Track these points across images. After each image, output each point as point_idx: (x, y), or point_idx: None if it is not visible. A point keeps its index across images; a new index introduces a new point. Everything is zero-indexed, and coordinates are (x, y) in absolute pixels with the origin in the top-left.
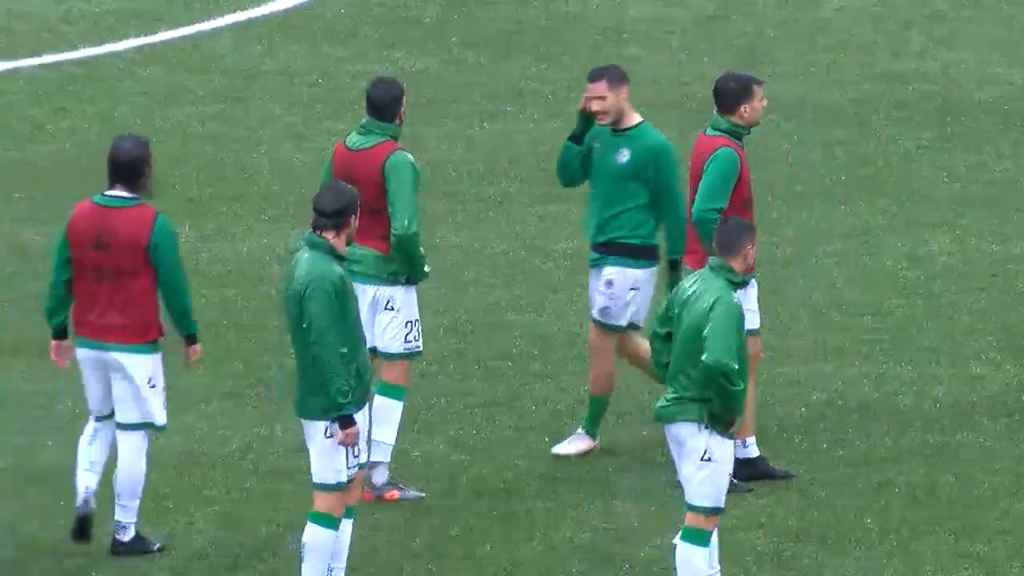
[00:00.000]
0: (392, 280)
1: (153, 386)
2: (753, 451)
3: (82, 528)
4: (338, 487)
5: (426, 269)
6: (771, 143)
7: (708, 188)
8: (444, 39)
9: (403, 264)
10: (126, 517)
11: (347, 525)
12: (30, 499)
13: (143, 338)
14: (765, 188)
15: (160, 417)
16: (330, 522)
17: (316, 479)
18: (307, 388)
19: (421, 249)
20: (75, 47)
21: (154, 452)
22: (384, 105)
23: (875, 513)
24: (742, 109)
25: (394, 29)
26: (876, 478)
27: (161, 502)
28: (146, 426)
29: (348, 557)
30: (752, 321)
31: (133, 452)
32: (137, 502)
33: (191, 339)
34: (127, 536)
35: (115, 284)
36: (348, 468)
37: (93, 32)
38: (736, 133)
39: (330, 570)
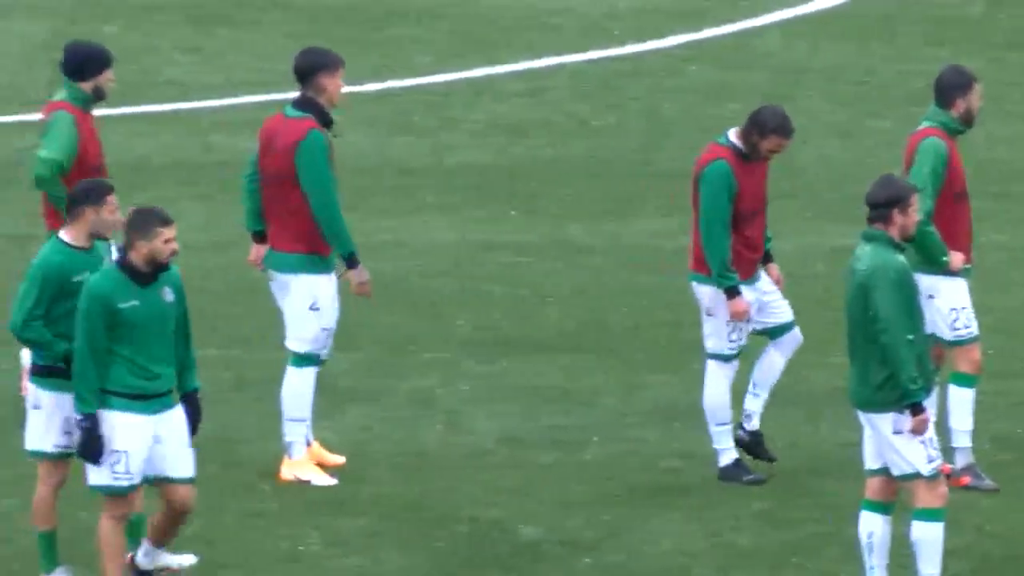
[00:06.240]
0: (927, 268)
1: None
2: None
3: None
4: (930, 477)
5: (945, 259)
6: None
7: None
8: (989, 38)
9: (918, 253)
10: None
11: (886, 522)
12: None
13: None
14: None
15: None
16: (934, 515)
17: (897, 472)
18: (870, 381)
19: (935, 244)
20: (621, 43)
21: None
22: (937, 91)
23: None
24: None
25: (937, 27)
26: None
27: (710, 496)
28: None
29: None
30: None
31: None
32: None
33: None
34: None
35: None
36: (931, 459)
37: (638, 28)
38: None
39: (871, 568)
